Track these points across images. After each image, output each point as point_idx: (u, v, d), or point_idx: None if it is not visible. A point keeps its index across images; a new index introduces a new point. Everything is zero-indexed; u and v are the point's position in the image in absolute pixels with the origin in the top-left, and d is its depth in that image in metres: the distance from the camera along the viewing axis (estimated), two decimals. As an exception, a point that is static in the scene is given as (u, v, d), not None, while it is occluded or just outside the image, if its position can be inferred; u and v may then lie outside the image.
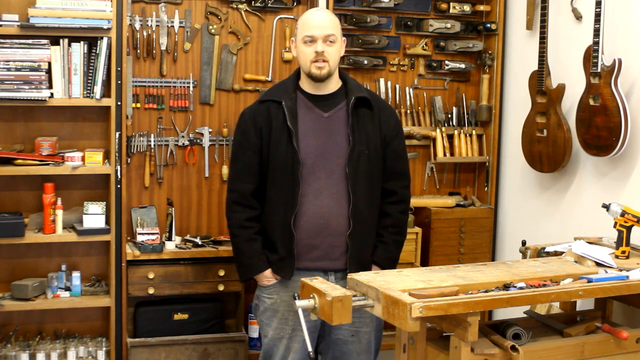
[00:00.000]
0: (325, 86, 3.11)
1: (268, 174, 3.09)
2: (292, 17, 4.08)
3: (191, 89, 3.98)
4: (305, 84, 3.13)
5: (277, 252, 3.08)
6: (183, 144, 4.00)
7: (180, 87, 3.97)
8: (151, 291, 3.78)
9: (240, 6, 4.01)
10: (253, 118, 3.12)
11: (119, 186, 3.68)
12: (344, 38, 3.15)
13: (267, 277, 3.11)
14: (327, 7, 3.92)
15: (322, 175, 3.06)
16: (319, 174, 3.06)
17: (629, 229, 2.99)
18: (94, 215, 3.70)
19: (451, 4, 4.21)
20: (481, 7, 4.25)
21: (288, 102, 3.06)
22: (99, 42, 3.61)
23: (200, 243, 3.88)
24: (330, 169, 3.07)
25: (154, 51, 3.91)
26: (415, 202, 4.06)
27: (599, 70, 3.33)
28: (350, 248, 3.07)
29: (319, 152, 3.06)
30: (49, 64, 3.56)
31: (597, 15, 3.31)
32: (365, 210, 3.09)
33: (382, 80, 4.22)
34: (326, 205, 3.05)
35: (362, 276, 2.61)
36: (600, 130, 3.35)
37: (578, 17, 3.66)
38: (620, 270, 2.81)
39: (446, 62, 4.26)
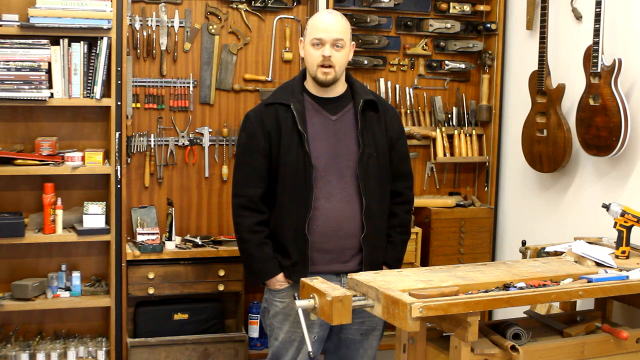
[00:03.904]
0: (331, 89, 3.08)
1: (278, 178, 3.04)
2: (292, 17, 4.09)
3: (191, 89, 3.98)
4: (312, 86, 3.10)
5: (290, 257, 3.04)
6: (183, 144, 4.00)
7: (180, 87, 3.97)
8: (151, 291, 3.78)
9: (240, 6, 4.01)
10: (260, 121, 3.06)
11: (119, 186, 3.68)
12: (353, 42, 3.12)
13: (280, 281, 3.07)
14: (327, 7, 3.92)
15: (333, 178, 3.04)
16: (330, 177, 3.04)
17: (629, 229, 2.98)
18: (94, 215, 3.70)
19: (451, 4, 4.22)
20: (481, 7, 4.25)
21: (297, 105, 3.03)
22: (99, 42, 3.61)
23: (200, 243, 3.88)
24: (341, 172, 3.05)
25: (154, 51, 3.91)
26: (415, 202, 4.02)
27: (599, 70, 3.33)
28: (365, 250, 3.05)
29: (329, 155, 3.04)
30: (49, 64, 3.56)
31: (597, 15, 3.31)
32: (377, 212, 3.08)
33: (382, 80, 4.22)
34: (338, 208, 3.03)
35: (362, 276, 2.61)
36: (600, 130, 3.35)
37: (578, 17, 3.66)
38: (620, 270, 2.81)
39: (446, 62, 4.26)
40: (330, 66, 2.99)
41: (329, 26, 3.01)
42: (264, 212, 3.08)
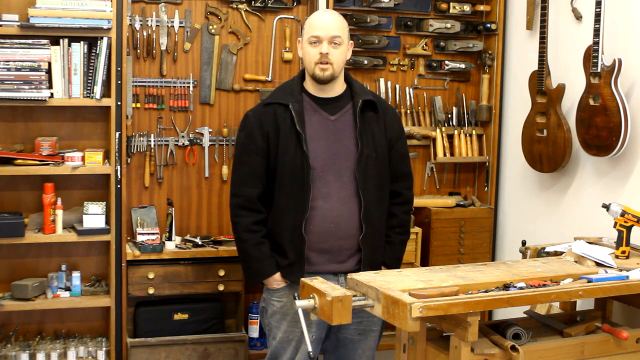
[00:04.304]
0: (330, 89, 3.09)
1: (276, 178, 3.04)
2: (292, 17, 4.09)
3: (191, 89, 3.98)
4: (310, 86, 3.10)
5: (287, 256, 3.04)
6: (183, 144, 4.00)
7: (180, 87, 3.97)
8: (151, 291, 3.78)
9: (240, 6, 4.01)
10: (259, 121, 3.07)
11: (119, 186, 3.68)
12: (351, 41, 3.13)
13: (277, 280, 3.08)
14: (327, 7, 3.92)
15: (331, 178, 3.04)
16: (328, 178, 3.04)
17: (629, 229, 2.98)
18: (94, 215, 3.70)
19: (451, 4, 4.22)
20: (481, 7, 4.25)
21: (295, 105, 3.03)
22: (99, 42, 3.61)
23: (200, 243, 3.88)
24: (339, 173, 3.05)
25: (154, 51, 3.91)
26: (415, 202, 4.04)
27: (599, 70, 3.33)
28: (364, 251, 3.06)
29: (327, 155, 3.04)
30: (49, 64, 3.56)
31: (597, 15, 3.31)
32: (375, 213, 3.09)
33: (382, 80, 4.22)
34: (336, 208, 3.03)
35: (362, 276, 2.61)
36: (600, 130, 3.35)
37: (578, 17, 3.66)
38: (620, 270, 2.81)
39: (446, 62, 4.26)
40: (327, 63, 3.00)
41: (326, 24, 3.02)
42: (262, 212, 3.08)
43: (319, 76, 3.02)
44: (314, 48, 3.01)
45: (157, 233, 3.88)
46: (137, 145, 3.92)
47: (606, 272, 2.79)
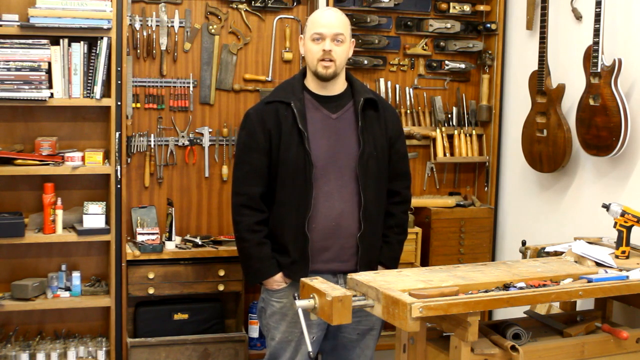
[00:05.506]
0: (332, 87, 3.09)
1: (278, 177, 3.04)
2: (292, 17, 4.09)
3: (191, 89, 3.98)
4: (312, 84, 3.10)
5: (289, 255, 3.04)
6: (183, 144, 4.00)
7: (180, 87, 3.97)
8: (151, 291, 3.78)
9: (240, 6, 4.01)
10: (260, 119, 3.06)
11: (119, 186, 3.68)
12: (352, 39, 3.13)
13: (278, 281, 3.07)
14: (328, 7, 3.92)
15: (332, 177, 3.04)
16: (329, 176, 3.04)
17: (629, 229, 2.99)
18: (94, 215, 3.70)
19: (451, 4, 4.22)
20: (481, 7, 4.25)
21: (297, 103, 3.03)
22: (99, 42, 3.61)
23: (200, 243, 3.88)
24: (340, 171, 3.05)
25: (154, 51, 3.91)
26: (415, 202, 4.06)
27: (599, 70, 3.33)
28: (361, 249, 3.06)
29: (329, 153, 3.04)
30: (49, 64, 3.56)
31: (597, 15, 3.31)
32: (374, 211, 3.09)
33: (382, 80, 4.22)
34: (337, 207, 3.03)
35: (362, 276, 2.61)
36: (600, 130, 3.35)
37: (578, 17, 3.66)
38: (620, 270, 2.81)
39: (446, 62, 4.26)
40: (330, 60, 3.00)
41: (329, 21, 3.02)
42: (264, 212, 3.08)
43: (321, 74, 3.02)
44: (317, 45, 3.00)
45: (157, 233, 3.88)
46: (137, 145, 3.92)
47: (606, 272, 2.79)
